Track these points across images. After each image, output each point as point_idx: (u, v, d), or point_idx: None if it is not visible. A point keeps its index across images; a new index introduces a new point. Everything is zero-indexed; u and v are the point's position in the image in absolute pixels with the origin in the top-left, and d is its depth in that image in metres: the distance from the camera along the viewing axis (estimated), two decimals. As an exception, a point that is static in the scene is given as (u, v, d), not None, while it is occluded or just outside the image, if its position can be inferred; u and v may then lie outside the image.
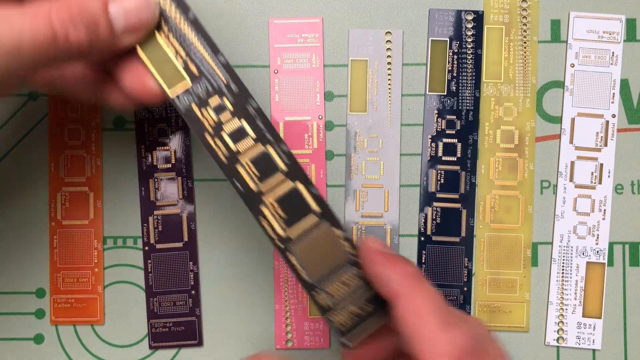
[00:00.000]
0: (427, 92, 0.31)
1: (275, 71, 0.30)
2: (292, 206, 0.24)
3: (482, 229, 0.31)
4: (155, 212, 0.30)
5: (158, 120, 0.31)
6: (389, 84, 0.31)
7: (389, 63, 0.31)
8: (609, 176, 0.30)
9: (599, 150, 0.31)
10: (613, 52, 0.30)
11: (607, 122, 0.31)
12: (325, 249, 0.24)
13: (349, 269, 0.24)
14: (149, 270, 0.30)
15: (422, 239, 0.31)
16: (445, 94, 0.30)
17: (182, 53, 0.24)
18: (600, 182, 0.31)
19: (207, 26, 0.31)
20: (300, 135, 0.30)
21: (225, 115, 0.24)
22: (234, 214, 0.31)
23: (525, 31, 0.31)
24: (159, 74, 0.24)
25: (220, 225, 0.31)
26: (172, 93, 0.24)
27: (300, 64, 0.30)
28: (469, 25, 0.30)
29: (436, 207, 0.30)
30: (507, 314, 0.30)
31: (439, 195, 0.30)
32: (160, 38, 0.24)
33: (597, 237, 0.30)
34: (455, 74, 0.30)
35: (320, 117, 0.30)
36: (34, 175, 0.31)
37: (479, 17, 0.30)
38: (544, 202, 0.31)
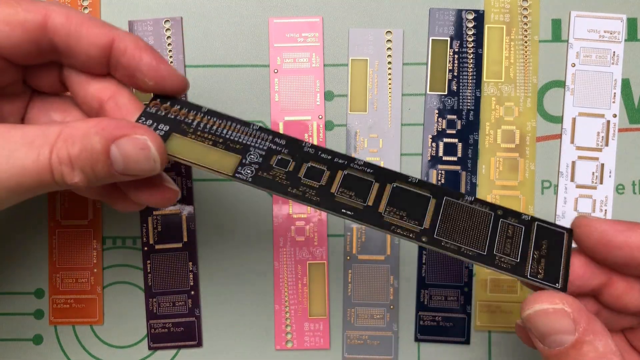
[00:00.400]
0: (428, 92, 0.30)
1: (275, 71, 0.30)
2: (406, 202, 0.23)
3: (483, 229, 0.30)
4: (155, 213, 0.30)
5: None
6: (389, 84, 0.30)
7: (389, 62, 0.30)
8: (610, 176, 0.30)
9: (600, 150, 0.30)
10: (614, 52, 0.30)
11: (608, 121, 0.30)
12: (468, 220, 0.23)
13: (503, 226, 0.23)
14: (148, 270, 0.30)
15: (423, 239, 0.30)
16: (446, 93, 0.30)
17: (219, 140, 0.24)
18: (601, 182, 0.30)
19: (208, 24, 0.31)
20: (300, 135, 0.30)
21: (291, 165, 0.24)
22: (234, 214, 0.31)
23: (525, 30, 0.30)
24: (206, 164, 0.23)
25: (220, 225, 0.31)
26: (230, 173, 0.23)
27: (300, 64, 0.30)
28: (470, 25, 0.30)
29: (437, 207, 0.30)
30: (508, 314, 0.30)
31: (439, 195, 0.30)
32: (189, 140, 0.24)
33: None
34: (455, 74, 0.30)
35: (320, 116, 0.30)
36: (33, 175, 0.31)
37: (479, 17, 0.30)
38: (545, 202, 0.31)
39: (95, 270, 0.31)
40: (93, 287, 0.31)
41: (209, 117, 0.24)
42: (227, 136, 0.24)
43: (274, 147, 0.24)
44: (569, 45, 0.30)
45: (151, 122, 0.24)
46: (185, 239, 0.30)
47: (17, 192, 0.21)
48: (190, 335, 0.30)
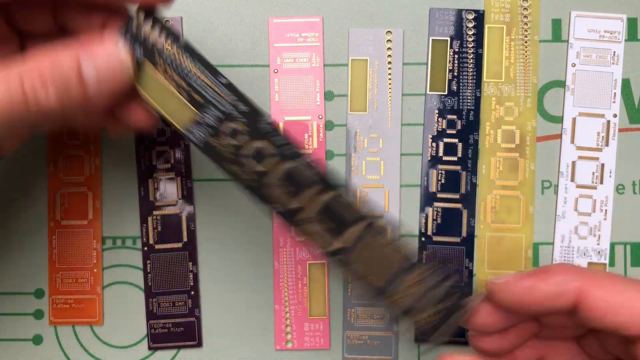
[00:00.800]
0: (428, 92, 0.30)
1: (275, 70, 0.30)
2: (337, 215, 0.23)
3: (483, 229, 0.30)
4: (155, 213, 0.30)
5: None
6: (390, 84, 0.30)
7: (390, 62, 0.30)
8: (610, 176, 0.30)
9: (600, 150, 0.30)
10: (614, 52, 0.30)
11: (609, 121, 0.30)
12: (384, 250, 0.23)
13: (414, 267, 0.23)
14: (148, 270, 0.30)
15: (423, 239, 0.30)
16: (446, 93, 0.30)
17: (184, 84, 0.23)
18: (601, 182, 0.30)
19: (208, 24, 0.31)
20: (300, 135, 0.30)
21: (241, 139, 0.23)
22: (234, 214, 0.31)
23: (526, 30, 0.30)
24: (165, 110, 0.23)
25: (220, 225, 0.31)
26: (182, 127, 0.23)
27: (300, 64, 0.30)
28: (470, 25, 0.30)
29: (437, 207, 0.30)
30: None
31: (439, 195, 0.30)
32: (157, 73, 0.23)
33: (599, 238, 0.30)
34: (455, 74, 0.30)
35: (320, 116, 0.30)
36: (33, 175, 0.31)
37: (479, 17, 0.30)
38: (545, 202, 0.31)
39: (95, 270, 0.31)
40: (93, 287, 0.31)
41: (183, 53, 0.23)
42: (193, 83, 0.23)
43: (233, 112, 0.23)
44: (569, 45, 0.30)
45: (128, 41, 0.23)
46: (185, 239, 0.30)
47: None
48: (191, 336, 0.30)
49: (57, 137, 0.30)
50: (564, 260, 0.30)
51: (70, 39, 0.23)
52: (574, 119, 0.30)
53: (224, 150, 0.23)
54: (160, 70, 0.23)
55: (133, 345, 0.31)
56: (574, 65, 0.30)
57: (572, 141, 0.30)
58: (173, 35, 0.23)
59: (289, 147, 0.23)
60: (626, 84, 0.30)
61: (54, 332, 0.31)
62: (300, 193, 0.23)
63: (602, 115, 0.30)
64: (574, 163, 0.30)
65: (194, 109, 0.23)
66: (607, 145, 0.30)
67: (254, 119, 0.23)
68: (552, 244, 0.30)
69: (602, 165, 0.30)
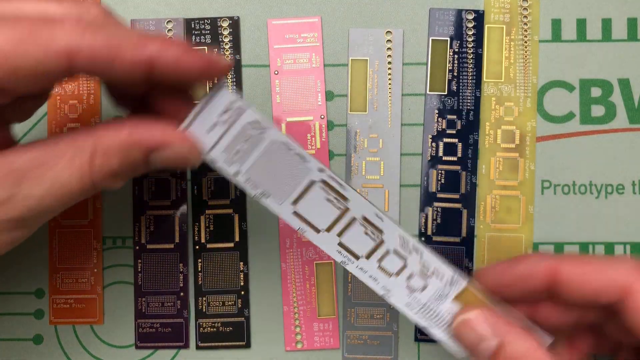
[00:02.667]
0: (428, 92, 0.30)
1: (276, 72, 0.30)
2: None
3: (483, 229, 0.30)
4: (148, 212, 0.30)
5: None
6: (389, 84, 0.30)
7: (389, 62, 0.30)
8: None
9: None
10: None
11: None
12: None
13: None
14: (139, 269, 0.30)
15: (423, 239, 0.30)
16: (446, 93, 0.30)
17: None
18: None
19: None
20: (303, 135, 0.30)
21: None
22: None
23: (525, 30, 0.30)
24: None
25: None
26: None
27: (301, 64, 0.30)
28: (470, 25, 0.30)
29: (437, 207, 0.30)
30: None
31: (439, 195, 0.30)
32: None
33: None
34: (455, 74, 0.30)
35: (322, 116, 0.30)
36: (33, 175, 0.31)
37: (479, 17, 0.30)
38: (545, 202, 0.31)
39: (95, 270, 0.31)
40: (93, 287, 0.31)
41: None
42: None
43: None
44: None
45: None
46: (177, 240, 0.30)
47: (61, 208, 0.22)
48: (178, 336, 0.30)
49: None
50: None
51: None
52: None
53: None
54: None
55: (133, 345, 0.31)
56: None
57: None
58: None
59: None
60: (626, 84, 0.30)
61: (54, 332, 0.31)
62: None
63: None
64: None
65: None
66: None
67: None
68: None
69: None
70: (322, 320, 0.30)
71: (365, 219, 0.24)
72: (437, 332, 0.24)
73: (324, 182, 0.24)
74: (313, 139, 0.30)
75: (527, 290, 0.24)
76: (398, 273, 0.24)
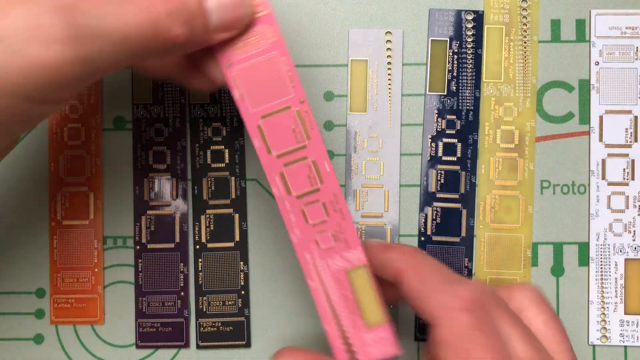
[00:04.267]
0: (427, 92, 0.31)
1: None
2: None
3: (482, 229, 0.30)
4: (149, 212, 0.30)
5: (155, 119, 0.31)
6: (389, 84, 0.31)
7: (389, 63, 0.31)
8: (641, 171, 0.30)
9: (629, 146, 0.30)
10: (637, 47, 0.30)
11: (636, 117, 0.30)
12: None
13: None
14: (140, 269, 0.30)
15: (422, 239, 0.30)
16: (445, 93, 0.30)
17: None
18: (632, 178, 0.30)
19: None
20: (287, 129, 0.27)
21: None
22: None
23: (525, 31, 0.30)
24: None
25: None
26: None
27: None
28: (469, 25, 0.30)
29: (436, 207, 0.30)
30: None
31: (439, 195, 0.30)
32: None
33: (634, 234, 0.30)
34: (455, 74, 0.30)
35: (301, 100, 0.25)
36: (34, 175, 0.31)
37: (479, 17, 0.30)
38: (544, 202, 0.31)
39: (96, 269, 0.31)
40: (94, 287, 0.31)
41: None
42: None
43: None
44: (591, 44, 0.30)
45: None
46: (177, 240, 0.31)
47: (121, 51, 0.21)
48: (179, 336, 0.30)
49: (58, 137, 0.31)
50: (601, 258, 0.30)
51: None
52: (601, 117, 0.30)
53: None
54: None
55: (134, 345, 0.31)
56: (597, 63, 0.31)
57: (601, 139, 0.30)
58: None
59: None
60: (625, 84, 0.31)
61: (55, 332, 0.31)
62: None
63: (629, 112, 0.30)
64: (604, 161, 0.30)
65: None
66: (636, 140, 0.30)
67: None
68: (587, 243, 0.31)
69: (632, 161, 0.30)
70: (372, 330, 0.25)
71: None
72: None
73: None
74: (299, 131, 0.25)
75: (381, 275, 0.25)
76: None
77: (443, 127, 0.30)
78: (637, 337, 0.30)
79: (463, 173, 0.30)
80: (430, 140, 0.31)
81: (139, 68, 0.27)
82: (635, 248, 0.30)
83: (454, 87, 0.30)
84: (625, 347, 0.30)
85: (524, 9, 0.31)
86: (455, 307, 0.22)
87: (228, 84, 0.24)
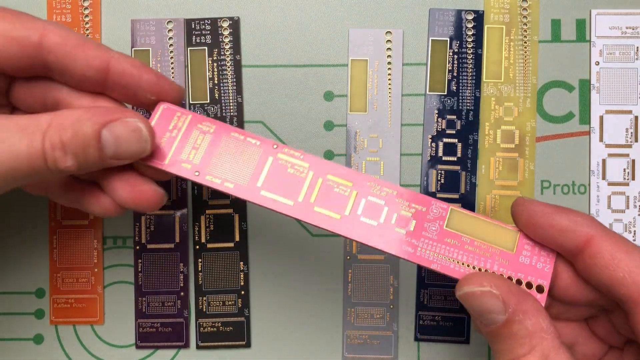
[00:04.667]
0: (427, 92, 0.31)
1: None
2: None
3: (483, 229, 0.30)
4: (148, 212, 0.30)
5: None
6: (389, 84, 0.31)
7: (389, 63, 0.30)
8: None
9: (629, 146, 0.30)
10: (638, 47, 0.30)
11: (636, 117, 0.30)
12: None
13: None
14: (139, 269, 0.30)
15: (423, 239, 0.30)
16: (446, 93, 0.30)
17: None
18: (633, 179, 0.30)
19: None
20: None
21: None
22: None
23: (525, 31, 0.30)
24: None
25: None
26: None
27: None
28: (469, 25, 0.30)
29: (436, 207, 0.30)
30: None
31: (439, 195, 0.30)
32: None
33: (634, 234, 0.30)
34: (455, 74, 0.30)
35: (274, 146, 0.25)
36: (34, 175, 0.31)
37: (479, 17, 0.30)
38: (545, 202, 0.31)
39: (95, 270, 0.31)
40: (93, 287, 0.31)
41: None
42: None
43: None
44: (592, 44, 0.30)
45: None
46: (177, 240, 0.30)
47: (10, 179, 0.22)
48: (178, 336, 0.30)
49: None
50: None
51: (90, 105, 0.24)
52: (601, 117, 0.30)
53: None
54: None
55: (134, 345, 0.31)
56: (597, 63, 0.31)
57: (601, 139, 0.30)
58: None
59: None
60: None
61: (54, 332, 0.31)
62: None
63: (630, 112, 0.30)
64: (604, 161, 0.30)
65: None
66: (636, 141, 0.30)
67: None
68: None
69: (633, 161, 0.30)
70: (519, 251, 0.25)
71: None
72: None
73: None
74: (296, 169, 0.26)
75: (557, 243, 0.23)
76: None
77: (443, 127, 0.30)
78: None
79: (463, 173, 0.30)
80: (430, 140, 0.31)
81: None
82: None
83: (454, 87, 0.30)
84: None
85: (524, 9, 0.30)
86: None
87: (210, 187, 0.24)
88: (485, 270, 0.23)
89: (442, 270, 0.23)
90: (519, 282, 0.23)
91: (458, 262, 0.23)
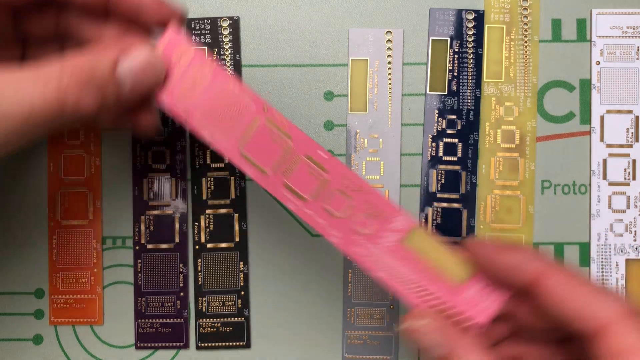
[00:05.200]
0: (428, 92, 0.30)
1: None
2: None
3: (483, 229, 0.30)
4: (148, 212, 0.30)
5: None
6: (389, 84, 0.30)
7: (390, 62, 0.30)
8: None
9: (630, 146, 0.30)
10: (638, 47, 0.30)
11: (637, 117, 0.30)
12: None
13: None
14: (139, 269, 0.30)
15: (423, 239, 0.30)
16: (446, 93, 0.30)
17: None
18: (633, 178, 0.30)
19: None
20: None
21: None
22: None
23: (526, 30, 0.30)
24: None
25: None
26: None
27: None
28: (470, 25, 0.30)
29: (437, 207, 0.30)
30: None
31: (439, 195, 0.30)
32: None
33: (635, 234, 0.30)
34: (455, 74, 0.30)
35: (265, 109, 0.25)
36: (33, 175, 0.31)
37: (479, 17, 0.30)
38: (545, 202, 0.31)
39: (95, 270, 0.31)
40: (93, 287, 0.31)
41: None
42: None
43: None
44: (592, 44, 0.30)
45: None
46: (177, 240, 0.30)
47: (30, 129, 0.21)
48: (178, 336, 0.30)
49: (58, 137, 0.30)
50: (602, 258, 0.30)
51: (75, 46, 0.24)
52: (602, 117, 0.30)
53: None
54: None
55: (133, 345, 0.31)
56: (598, 63, 0.30)
57: (602, 139, 0.30)
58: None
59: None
60: (626, 84, 0.30)
61: (54, 332, 0.31)
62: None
63: (630, 112, 0.30)
64: (604, 161, 0.30)
65: None
66: (637, 140, 0.30)
67: None
68: (588, 243, 0.30)
69: (634, 161, 0.30)
70: (467, 286, 0.25)
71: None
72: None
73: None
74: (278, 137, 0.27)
75: (507, 281, 0.23)
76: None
77: (443, 126, 0.30)
78: None
79: (464, 173, 0.30)
80: (430, 140, 0.30)
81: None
82: (636, 248, 0.30)
83: (455, 87, 0.30)
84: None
85: (525, 9, 0.30)
86: (625, 314, 0.20)
87: (193, 130, 0.24)
88: (428, 294, 0.23)
89: (388, 281, 0.23)
90: (458, 313, 0.23)
91: (404, 280, 0.23)
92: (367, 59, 0.30)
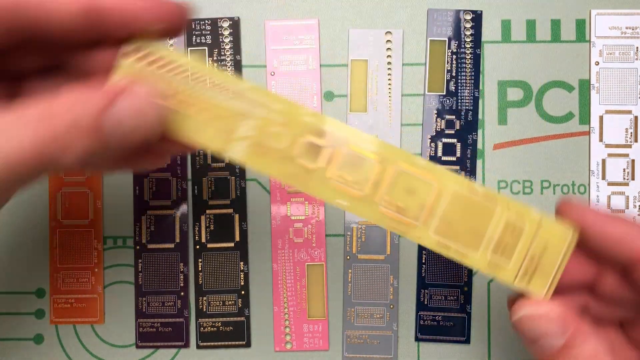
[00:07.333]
0: (426, 92, 0.31)
1: (272, 73, 0.30)
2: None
3: (482, 228, 0.30)
4: (149, 212, 0.31)
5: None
6: (389, 84, 0.31)
7: (389, 63, 0.31)
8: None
9: (629, 146, 0.30)
10: (637, 47, 0.30)
11: (636, 117, 0.30)
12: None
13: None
14: (140, 269, 0.31)
15: (422, 239, 0.30)
16: (444, 93, 0.30)
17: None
18: (633, 179, 0.30)
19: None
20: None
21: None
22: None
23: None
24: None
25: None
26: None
27: (297, 66, 0.30)
28: (468, 25, 0.30)
29: (436, 207, 0.30)
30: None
31: (438, 195, 0.30)
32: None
33: None
34: (454, 74, 0.30)
35: None
36: (35, 176, 0.31)
37: (477, 17, 0.30)
38: (544, 202, 0.31)
39: (96, 270, 0.31)
40: (94, 287, 0.31)
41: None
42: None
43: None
44: (592, 44, 0.30)
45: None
46: (177, 240, 0.31)
47: (7, 185, 0.19)
48: (179, 336, 0.30)
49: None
50: None
51: (76, 79, 0.21)
52: (601, 117, 0.30)
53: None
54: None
55: (134, 345, 0.31)
56: (597, 63, 0.31)
57: (601, 139, 0.30)
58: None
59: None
60: (625, 84, 0.30)
61: (55, 332, 0.31)
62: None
63: (629, 112, 0.30)
64: (604, 161, 0.30)
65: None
66: (636, 141, 0.30)
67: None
68: None
69: (633, 161, 0.30)
70: (311, 322, 0.30)
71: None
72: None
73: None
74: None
75: (608, 253, 0.22)
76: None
77: (442, 127, 0.30)
78: None
79: (462, 173, 0.30)
80: (429, 140, 0.31)
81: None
82: None
83: (453, 87, 0.30)
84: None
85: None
86: None
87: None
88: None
89: None
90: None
91: None
92: (367, 60, 0.31)
